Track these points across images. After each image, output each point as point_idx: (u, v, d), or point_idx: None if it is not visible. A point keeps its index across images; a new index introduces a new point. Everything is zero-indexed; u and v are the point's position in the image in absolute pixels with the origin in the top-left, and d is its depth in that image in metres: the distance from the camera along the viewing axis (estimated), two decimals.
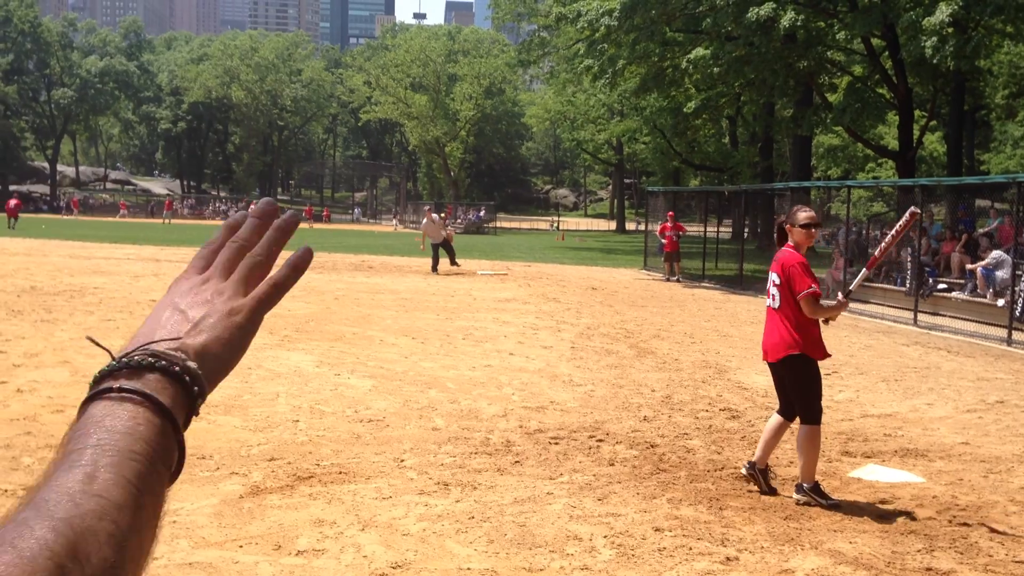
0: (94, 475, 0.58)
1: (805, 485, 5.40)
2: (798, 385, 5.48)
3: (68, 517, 0.54)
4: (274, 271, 0.76)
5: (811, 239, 5.61)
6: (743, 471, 5.66)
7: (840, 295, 5.57)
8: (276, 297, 0.75)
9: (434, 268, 22.42)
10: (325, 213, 71.90)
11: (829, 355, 5.62)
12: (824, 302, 5.43)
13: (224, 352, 0.70)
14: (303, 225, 62.22)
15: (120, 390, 0.64)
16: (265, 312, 0.74)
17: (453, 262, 22.81)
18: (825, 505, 5.28)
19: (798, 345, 5.39)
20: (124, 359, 0.66)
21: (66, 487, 0.57)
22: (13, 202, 41.54)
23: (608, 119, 55.91)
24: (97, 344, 0.71)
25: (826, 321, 5.52)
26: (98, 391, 0.65)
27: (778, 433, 5.60)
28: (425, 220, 23.08)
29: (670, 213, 24.12)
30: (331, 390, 7.96)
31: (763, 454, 5.59)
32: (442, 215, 27.80)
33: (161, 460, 0.62)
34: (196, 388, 0.67)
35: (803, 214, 5.66)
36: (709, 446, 6.64)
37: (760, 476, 5.57)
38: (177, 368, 0.66)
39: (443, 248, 22.62)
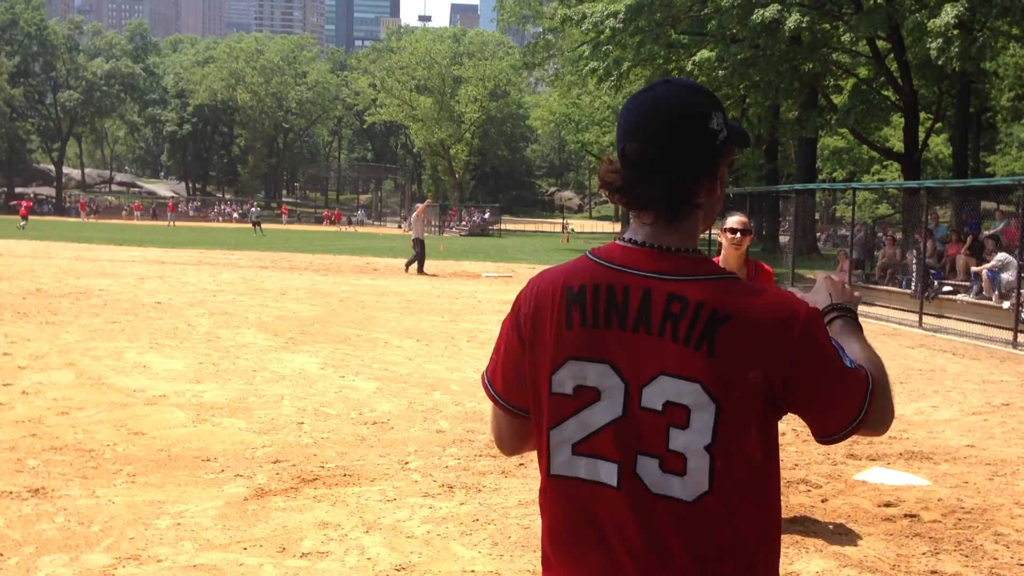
0: (864, 345, 1.58)
1: None
2: None
3: (869, 357, 1.54)
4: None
5: (735, 246, 4.79)
6: None
7: None
8: (859, 301, 1.72)
9: (420, 268, 22.19)
10: (326, 215, 72.05)
11: None
12: None
13: (852, 305, 1.66)
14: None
15: (846, 317, 1.64)
16: (854, 302, 1.70)
17: (412, 264, 22.47)
18: None
19: None
20: (836, 306, 1.65)
21: (855, 348, 1.55)
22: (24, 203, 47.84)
23: (613, 121, 55.86)
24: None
25: None
26: (832, 317, 1.63)
27: None
28: (415, 213, 23.15)
29: None
30: (336, 392, 7.96)
31: None
32: (451, 213, 27.83)
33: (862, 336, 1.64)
34: (856, 316, 1.67)
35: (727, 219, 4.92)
36: None
37: None
38: (852, 310, 1.66)
39: (414, 245, 22.39)
